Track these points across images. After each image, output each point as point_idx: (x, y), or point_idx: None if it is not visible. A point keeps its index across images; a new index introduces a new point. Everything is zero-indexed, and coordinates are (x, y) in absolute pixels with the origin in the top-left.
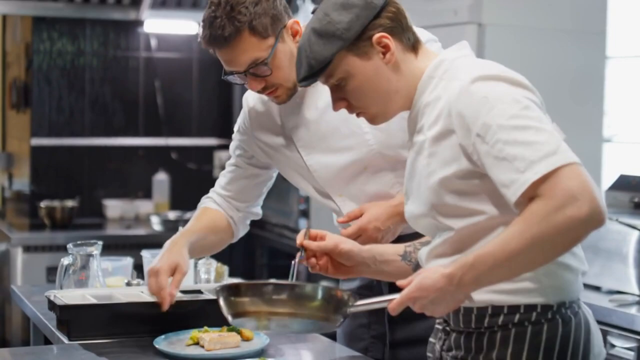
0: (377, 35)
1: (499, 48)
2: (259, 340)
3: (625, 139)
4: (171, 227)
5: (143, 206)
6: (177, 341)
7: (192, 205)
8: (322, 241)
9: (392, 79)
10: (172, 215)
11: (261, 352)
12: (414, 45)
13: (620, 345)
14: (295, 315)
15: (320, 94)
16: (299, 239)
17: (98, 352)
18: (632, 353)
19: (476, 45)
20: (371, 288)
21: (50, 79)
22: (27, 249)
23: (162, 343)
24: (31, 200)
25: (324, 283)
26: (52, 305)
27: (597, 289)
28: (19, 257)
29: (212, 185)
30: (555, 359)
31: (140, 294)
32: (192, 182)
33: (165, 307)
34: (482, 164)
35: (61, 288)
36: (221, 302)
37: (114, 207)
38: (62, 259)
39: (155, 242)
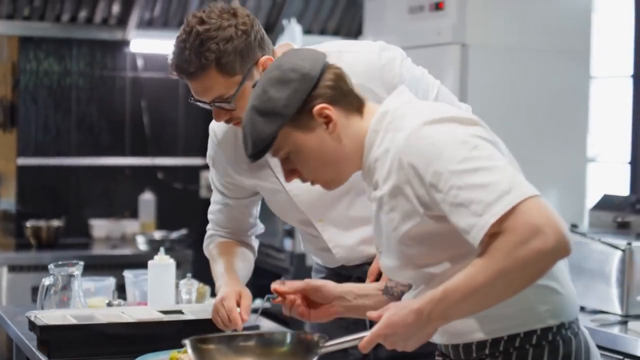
0: (317, 108)
1: (482, 68)
2: None
3: (609, 159)
4: (156, 247)
5: (129, 226)
6: None
7: (178, 225)
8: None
9: (339, 147)
10: (157, 235)
11: None
12: (358, 107)
13: None
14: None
15: None
16: (274, 286)
17: None
18: None
19: (459, 66)
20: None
21: (37, 99)
22: (13, 268)
23: None
24: (17, 220)
25: None
26: (32, 326)
27: (580, 308)
28: (3, 277)
29: (198, 204)
30: None
31: (121, 314)
32: (178, 201)
33: (240, 326)
34: (441, 211)
35: (42, 308)
36: (189, 351)
37: (100, 226)
38: (43, 280)
39: (140, 261)
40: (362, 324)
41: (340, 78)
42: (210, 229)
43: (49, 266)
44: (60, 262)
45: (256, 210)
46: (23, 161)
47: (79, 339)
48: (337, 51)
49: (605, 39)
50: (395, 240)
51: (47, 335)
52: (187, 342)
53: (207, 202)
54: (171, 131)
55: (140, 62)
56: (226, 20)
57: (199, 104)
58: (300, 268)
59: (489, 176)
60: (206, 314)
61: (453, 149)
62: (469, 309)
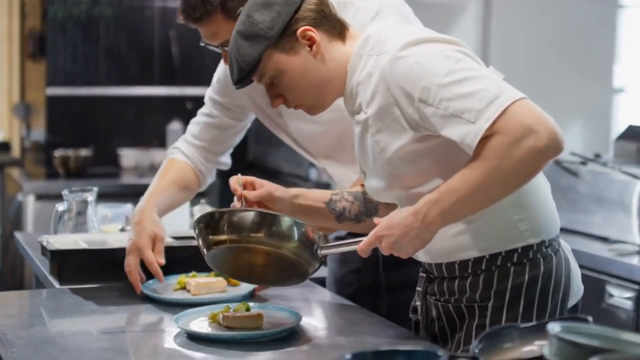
0: (300, 29)
1: (507, 3)
2: (246, 285)
3: (637, 89)
4: None
5: (158, 155)
6: (164, 286)
7: None
8: (256, 190)
9: (323, 69)
10: None
11: (248, 297)
12: (340, 32)
13: (619, 295)
14: (271, 252)
15: None
16: (237, 189)
17: (86, 296)
18: (630, 302)
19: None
20: (358, 271)
21: (66, 29)
22: (40, 197)
23: (149, 288)
24: (46, 150)
25: None
26: (44, 250)
27: (600, 238)
28: (30, 205)
29: None
30: (537, 296)
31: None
32: None
33: (160, 275)
34: (432, 126)
35: (55, 233)
36: (197, 237)
37: (128, 156)
38: (56, 205)
39: None
40: None
41: (323, 2)
42: (181, 139)
43: (63, 192)
44: (74, 188)
45: (236, 139)
46: (52, 91)
47: (89, 264)
48: (344, 2)
49: None
50: (384, 161)
51: (58, 260)
52: (195, 222)
53: None
54: (199, 61)
55: None
56: None
57: (209, 47)
58: None
59: (476, 85)
60: None
61: (437, 64)
62: (465, 209)
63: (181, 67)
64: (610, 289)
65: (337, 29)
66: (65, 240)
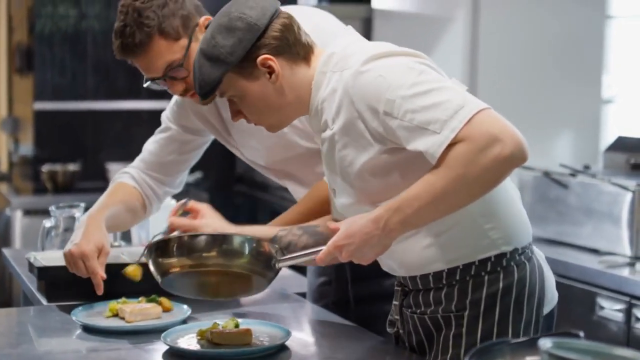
0: (261, 58)
1: (495, 7)
2: (180, 311)
3: (626, 100)
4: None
5: None
6: (95, 313)
7: (193, 168)
8: (187, 221)
9: (281, 97)
10: None
11: (184, 322)
12: (305, 56)
13: (609, 307)
14: (223, 266)
15: None
16: (171, 214)
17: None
18: (620, 315)
19: (471, 5)
20: (330, 283)
21: (53, 43)
22: (28, 212)
23: (80, 315)
24: (34, 165)
25: None
26: (31, 267)
27: (589, 250)
28: (18, 220)
29: (215, 148)
30: (512, 303)
31: (121, 255)
32: None
33: (101, 291)
34: (397, 139)
35: (43, 250)
36: (150, 265)
37: (116, 170)
38: (44, 221)
39: None
40: None
41: (287, 28)
42: (131, 165)
43: (50, 208)
44: (61, 204)
45: (190, 162)
46: (40, 105)
47: (76, 280)
48: None
49: None
50: (352, 176)
51: (45, 277)
52: (146, 252)
53: (223, 147)
54: None
55: None
56: None
57: (153, 85)
58: None
59: (440, 96)
60: None
61: (401, 76)
62: (427, 216)
63: None
64: (601, 301)
65: (301, 54)
66: (53, 257)
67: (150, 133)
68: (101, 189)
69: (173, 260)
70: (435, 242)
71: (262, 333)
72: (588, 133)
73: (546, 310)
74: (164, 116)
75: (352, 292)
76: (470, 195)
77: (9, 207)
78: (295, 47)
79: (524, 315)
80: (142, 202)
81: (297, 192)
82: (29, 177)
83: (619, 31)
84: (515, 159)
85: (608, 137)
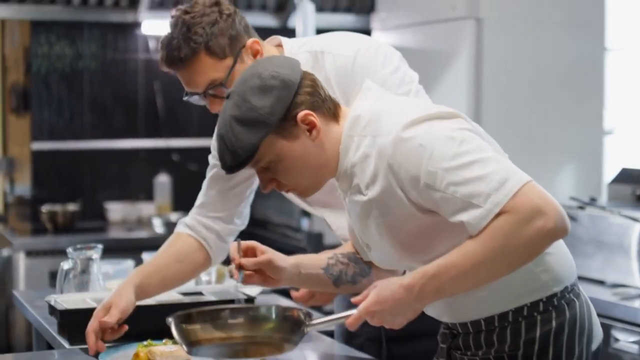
0: (301, 114)
1: (497, 42)
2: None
3: (627, 132)
4: (173, 229)
5: (145, 208)
6: (121, 356)
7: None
8: (255, 258)
9: (320, 153)
10: (174, 217)
11: None
12: (334, 113)
13: (624, 339)
14: (251, 338)
15: None
16: (235, 257)
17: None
18: (635, 346)
19: (475, 40)
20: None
21: (50, 83)
22: (29, 253)
23: (107, 358)
24: (33, 205)
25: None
26: (52, 310)
27: (600, 282)
28: (21, 262)
29: None
30: (565, 341)
31: None
32: (193, 183)
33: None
34: (438, 210)
35: (62, 292)
36: (174, 331)
37: (115, 210)
38: (61, 263)
39: (157, 244)
40: None
41: (317, 84)
42: (191, 212)
43: (68, 250)
44: (79, 246)
45: (246, 194)
46: (37, 145)
47: None
48: (321, 52)
49: (620, 11)
50: (392, 240)
51: (67, 319)
52: (170, 320)
53: None
54: (185, 112)
55: (152, 44)
56: (209, 8)
57: (192, 99)
58: (317, 247)
59: (484, 168)
60: (226, 295)
61: (442, 146)
62: (463, 285)
63: (166, 119)
64: (616, 333)
65: (331, 110)
66: (73, 299)
67: (148, 171)
68: (100, 229)
69: (197, 327)
70: (486, 291)
71: None
72: (591, 165)
73: (594, 346)
74: (210, 155)
75: (385, 329)
76: (509, 266)
77: (9, 248)
78: (327, 103)
79: (576, 353)
80: (198, 247)
81: (334, 220)
82: (26, 217)
83: (616, 63)
84: (558, 231)
85: (611, 169)
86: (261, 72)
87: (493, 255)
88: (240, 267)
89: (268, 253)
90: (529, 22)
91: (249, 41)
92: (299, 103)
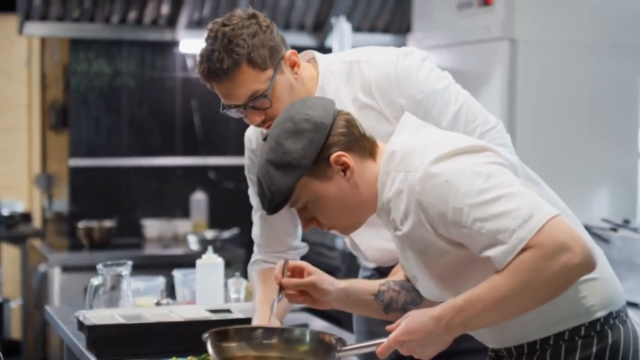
0: (334, 156)
1: (532, 64)
2: None
3: None
4: (207, 246)
5: (181, 226)
6: None
7: (230, 224)
8: (300, 278)
9: (357, 193)
10: (209, 234)
11: None
12: (371, 151)
13: None
14: (284, 359)
15: None
16: (278, 276)
17: None
18: None
19: (509, 61)
20: None
21: (88, 100)
22: (66, 269)
23: None
24: (70, 221)
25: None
26: (80, 326)
27: (634, 305)
28: (56, 277)
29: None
30: None
31: (169, 313)
32: (230, 201)
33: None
34: (467, 245)
35: (91, 308)
36: (209, 347)
37: (152, 226)
38: (91, 279)
39: (192, 261)
40: None
41: (351, 124)
42: (255, 252)
43: (98, 266)
44: (109, 262)
45: (296, 228)
46: (75, 162)
47: (127, 339)
48: (357, 60)
49: None
50: (430, 274)
51: (95, 335)
52: (206, 336)
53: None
54: (222, 130)
55: (190, 62)
56: (247, 20)
57: (231, 112)
58: (351, 266)
59: (509, 203)
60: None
61: (468, 182)
62: (489, 319)
63: (203, 137)
64: None
65: (367, 148)
66: (102, 315)
67: (184, 188)
68: (137, 246)
69: (232, 344)
70: (528, 318)
71: None
72: (625, 187)
73: None
74: (250, 194)
75: None
76: (535, 301)
77: (45, 263)
78: (362, 142)
79: None
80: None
81: (363, 241)
82: (63, 233)
83: None
84: (584, 267)
85: None
86: (294, 116)
87: (518, 290)
88: (281, 288)
89: (315, 275)
90: (563, 43)
91: (287, 53)
92: (332, 144)
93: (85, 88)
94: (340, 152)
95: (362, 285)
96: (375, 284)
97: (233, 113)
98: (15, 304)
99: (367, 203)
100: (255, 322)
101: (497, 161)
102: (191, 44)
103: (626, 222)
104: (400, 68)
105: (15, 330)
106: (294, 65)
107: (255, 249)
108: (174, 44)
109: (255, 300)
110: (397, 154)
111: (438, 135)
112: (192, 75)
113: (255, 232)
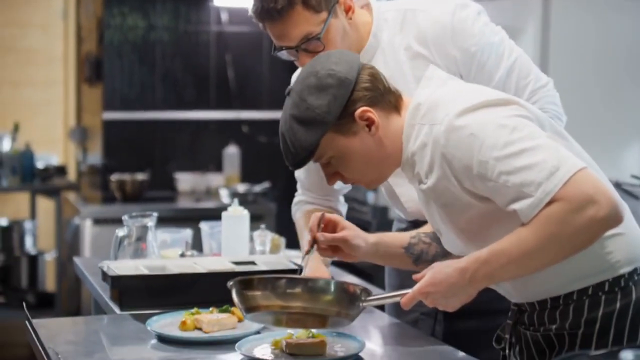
0: (358, 111)
1: (564, 18)
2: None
3: None
4: (240, 200)
5: (214, 179)
6: (169, 323)
7: (262, 178)
8: (333, 233)
9: (382, 147)
10: (241, 188)
11: (258, 333)
12: (396, 105)
13: None
14: (308, 309)
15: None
16: (313, 230)
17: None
18: None
19: (542, 15)
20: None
21: (122, 54)
22: (97, 221)
23: (154, 325)
24: (103, 174)
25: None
26: (104, 276)
27: None
28: (87, 230)
29: (282, 159)
30: (628, 324)
31: (194, 265)
32: (262, 155)
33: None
34: (493, 199)
35: (116, 259)
36: (234, 295)
37: (184, 180)
38: (116, 231)
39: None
40: None
41: (375, 78)
42: (298, 193)
43: (123, 217)
44: (134, 214)
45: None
46: (109, 115)
47: (150, 289)
48: (413, 9)
49: None
50: (455, 229)
51: (119, 285)
52: (231, 284)
53: None
54: (255, 85)
55: (224, 16)
56: None
57: (282, 54)
58: (382, 220)
59: (535, 156)
60: (278, 265)
61: (493, 135)
62: (514, 271)
63: (237, 91)
64: None
65: (392, 102)
66: (126, 266)
67: (217, 142)
68: (169, 199)
69: (257, 293)
70: (552, 273)
71: (337, 344)
72: None
73: None
74: None
75: None
76: (560, 254)
77: (78, 216)
78: (387, 96)
79: None
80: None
81: (404, 191)
82: (97, 186)
83: None
84: (610, 220)
85: None
86: (318, 71)
87: (544, 244)
88: (314, 241)
89: (347, 230)
90: None
91: None
92: (357, 100)
93: (120, 41)
94: (365, 108)
95: (393, 238)
96: (406, 237)
97: (284, 55)
98: (50, 257)
99: (392, 157)
100: (306, 270)
101: (523, 114)
102: None
103: None
104: (456, 19)
105: (49, 283)
106: (348, 10)
107: (298, 189)
108: None
109: (303, 244)
110: (423, 106)
111: (464, 88)
112: (226, 29)
113: (300, 173)
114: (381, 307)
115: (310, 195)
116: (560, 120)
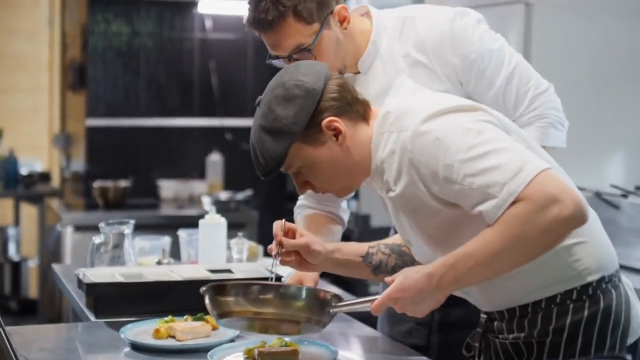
0: (325, 121)
1: (547, 28)
2: (228, 329)
3: None
4: (222, 208)
5: (197, 186)
6: (143, 331)
7: (245, 185)
8: (295, 239)
9: (349, 157)
10: (223, 195)
11: (232, 341)
12: (364, 114)
13: None
14: (279, 315)
15: (370, 82)
16: (279, 234)
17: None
18: None
19: (523, 25)
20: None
21: (106, 60)
22: (78, 228)
23: (128, 333)
24: (86, 181)
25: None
26: (80, 283)
27: None
28: (68, 236)
29: None
30: (596, 332)
31: (170, 272)
32: (245, 162)
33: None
34: (458, 202)
35: (92, 266)
36: (207, 301)
37: (167, 187)
38: (93, 238)
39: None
40: None
41: (344, 88)
42: (300, 197)
43: (100, 224)
44: (111, 221)
45: None
46: (92, 122)
47: (125, 297)
48: (412, 17)
49: None
50: (423, 235)
51: (94, 293)
52: (204, 289)
53: None
54: (239, 92)
55: (208, 23)
56: None
57: (275, 62)
58: (364, 229)
59: (499, 158)
60: (255, 273)
61: (458, 139)
62: (482, 274)
63: (221, 98)
64: None
65: (360, 112)
66: (102, 274)
67: (201, 150)
68: (152, 206)
69: (230, 299)
70: (520, 280)
71: (309, 353)
72: (638, 154)
73: (630, 340)
74: None
75: (438, 317)
76: (526, 255)
77: (60, 223)
78: (355, 106)
79: (607, 345)
80: (330, 224)
81: None
82: (80, 193)
83: None
84: (575, 219)
85: None
86: (286, 82)
87: (509, 244)
88: (280, 245)
89: (307, 236)
90: (578, 7)
91: (337, 7)
92: (324, 110)
93: (104, 48)
94: (331, 118)
95: (351, 247)
96: (365, 246)
97: (277, 63)
98: (33, 263)
99: (360, 166)
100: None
101: (488, 119)
102: (210, 5)
103: (638, 189)
104: (456, 27)
105: (32, 290)
106: (343, 20)
107: (300, 198)
108: (193, 4)
109: None
110: (391, 114)
111: (432, 96)
112: (210, 36)
113: None
114: (374, 319)
115: (311, 200)
116: (562, 125)
